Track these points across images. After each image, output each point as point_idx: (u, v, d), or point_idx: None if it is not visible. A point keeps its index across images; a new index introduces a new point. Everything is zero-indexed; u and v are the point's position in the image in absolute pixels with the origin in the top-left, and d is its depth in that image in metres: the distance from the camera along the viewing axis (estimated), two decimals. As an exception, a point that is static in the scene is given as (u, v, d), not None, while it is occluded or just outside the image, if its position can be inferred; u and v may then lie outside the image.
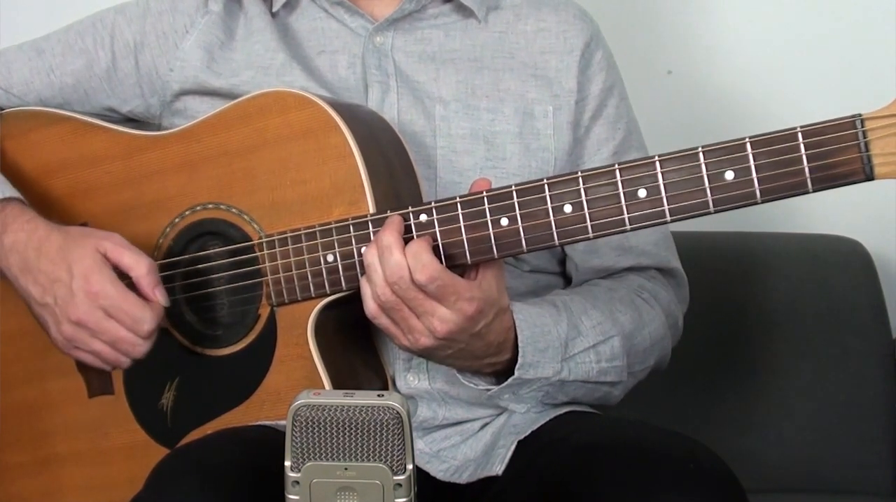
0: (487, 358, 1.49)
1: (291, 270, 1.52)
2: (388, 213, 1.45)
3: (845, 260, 2.12)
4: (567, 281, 1.70)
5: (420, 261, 1.40)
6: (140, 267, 1.54)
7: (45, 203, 1.66)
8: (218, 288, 1.58)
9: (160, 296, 1.54)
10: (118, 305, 1.52)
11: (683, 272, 1.74)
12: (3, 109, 1.73)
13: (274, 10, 1.68)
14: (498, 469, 1.54)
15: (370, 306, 1.44)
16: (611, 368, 1.58)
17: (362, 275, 1.45)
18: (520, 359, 1.49)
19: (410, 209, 1.44)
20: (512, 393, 1.53)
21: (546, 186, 1.39)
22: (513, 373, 1.50)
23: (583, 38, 1.68)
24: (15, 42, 1.76)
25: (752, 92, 2.27)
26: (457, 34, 1.67)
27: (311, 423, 1.23)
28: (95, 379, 1.65)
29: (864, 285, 2.10)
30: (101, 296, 1.52)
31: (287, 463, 1.25)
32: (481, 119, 1.63)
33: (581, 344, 1.55)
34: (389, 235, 1.41)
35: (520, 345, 1.49)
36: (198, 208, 1.58)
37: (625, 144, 1.69)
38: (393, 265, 1.40)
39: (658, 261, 1.71)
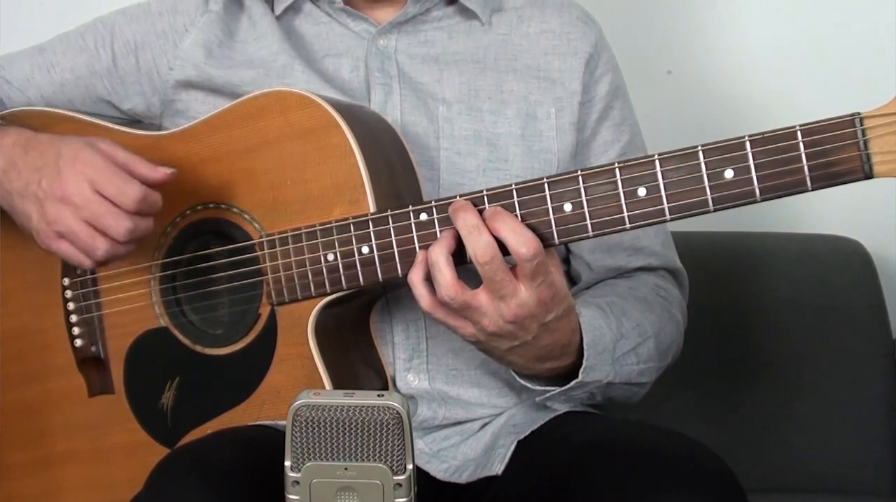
0: (550, 361, 1.48)
1: (292, 269, 1.52)
2: (389, 212, 1.45)
3: (845, 260, 2.12)
4: (570, 280, 1.70)
5: (524, 234, 1.37)
6: (135, 158, 1.52)
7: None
8: (218, 287, 1.58)
9: (163, 170, 1.51)
10: (104, 175, 1.48)
11: (685, 271, 1.75)
12: (3, 103, 1.74)
13: (277, 13, 1.68)
14: (498, 468, 1.54)
15: (426, 303, 1.41)
16: (646, 369, 1.59)
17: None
18: (584, 362, 1.49)
19: (411, 208, 1.44)
20: (566, 394, 1.52)
21: (546, 185, 1.39)
22: (564, 377, 1.50)
23: (588, 42, 1.68)
24: (15, 43, 1.77)
25: (752, 92, 2.27)
26: (460, 36, 1.67)
27: (311, 423, 1.23)
28: (96, 378, 1.65)
29: (864, 285, 2.10)
30: (88, 167, 1.49)
31: (287, 463, 1.24)
32: (484, 121, 1.63)
33: (625, 346, 1.55)
34: (471, 216, 1.39)
35: (585, 347, 1.49)
36: (199, 208, 1.58)
37: (630, 145, 1.70)
38: (483, 245, 1.37)
39: (666, 261, 1.72)
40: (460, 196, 1.42)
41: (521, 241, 1.37)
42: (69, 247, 1.51)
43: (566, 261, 1.70)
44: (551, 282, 1.40)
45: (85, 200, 1.48)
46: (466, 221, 1.39)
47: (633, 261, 1.68)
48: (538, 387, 1.52)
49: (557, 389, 1.51)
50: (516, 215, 1.40)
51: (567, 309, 1.44)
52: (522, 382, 1.52)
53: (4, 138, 1.57)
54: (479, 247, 1.37)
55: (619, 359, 1.54)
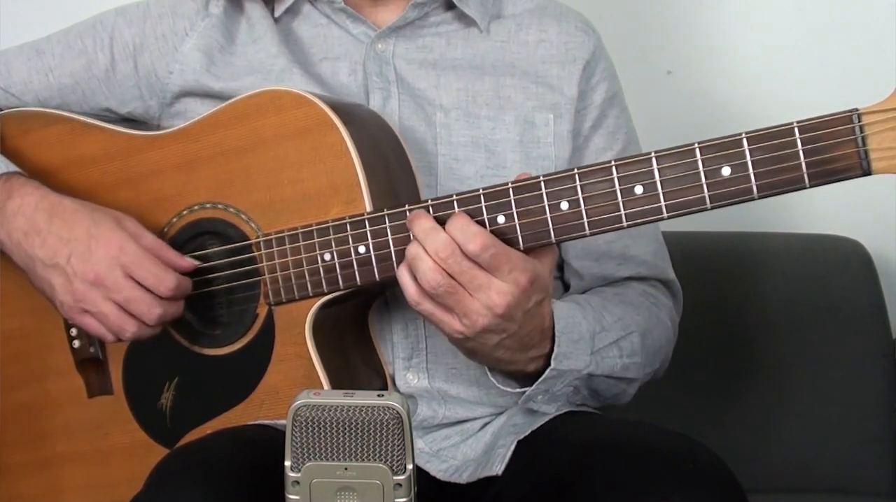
0: (533, 348, 1.48)
1: (289, 269, 1.52)
2: (385, 212, 1.46)
3: (845, 260, 2.13)
4: (565, 287, 1.71)
5: (469, 231, 1.38)
6: (161, 244, 1.56)
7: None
8: (216, 287, 1.58)
9: (190, 260, 1.56)
10: (140, 262, 1.53)
11: (679, 284, 1.75)
12: (1, 109, 1.74)
13: (276, 15, 1.68)
14: (498, 468, 1.54)
15: (411, 293, 1.41)
16: (631, 364, 1.58)
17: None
18: (556, 349, 1.48)
19: (407, 207, 1.44)
20: (546, 390, 1.52)
21: (542, 184, 1.39)
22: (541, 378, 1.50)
23: (586, 50, 1.68)
24: (15, 42, 1.77)
25: (752, 92, 2.27)
26: (458, 42, 1.67)
27: (311, 423, 1.23)
28: (95, 379, 1.65)
29: (864, 285, 2.10)
30: (122, 253, 1.53)
31: (287, 463, 1.24)
32: (482, 127, 1.63)
33: (605, 338, 1.55)
34: (425, 220, 1.40)
35: (556, 333, 1.49)
36: (196, 208, 1.59)
37: (624, 154, 1.69)
38: (441, 242, 1.38)
39: (657, 272, 1.71)
40: (457, 195, 1.42)
41: (467, 238, 1.38)
42: (95, 323, 1.55)
43: (560, 269, 1.70)
44: (524, 267, 1.40)
45: (118, 285, 1.52)
46: (422, 226, 1.40)
47: (623, 270, 1.68)
48: (517, 390, 1.52)
49: (533, 386, 1.50)
50: (511, 212, 1.40)
51: (546, 293, 1.45)
52: (503, 387, 1.52)
53: (25, 197, 1.58)
54: (439, 244, 1.38)
55: (601, 351, 1.54)
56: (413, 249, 1.40)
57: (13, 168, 1.62)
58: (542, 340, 1.48)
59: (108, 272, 1.52)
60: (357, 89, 1.65)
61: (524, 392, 1.51)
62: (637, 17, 2.30)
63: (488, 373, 1.51)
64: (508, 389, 1.52)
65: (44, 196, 1.58)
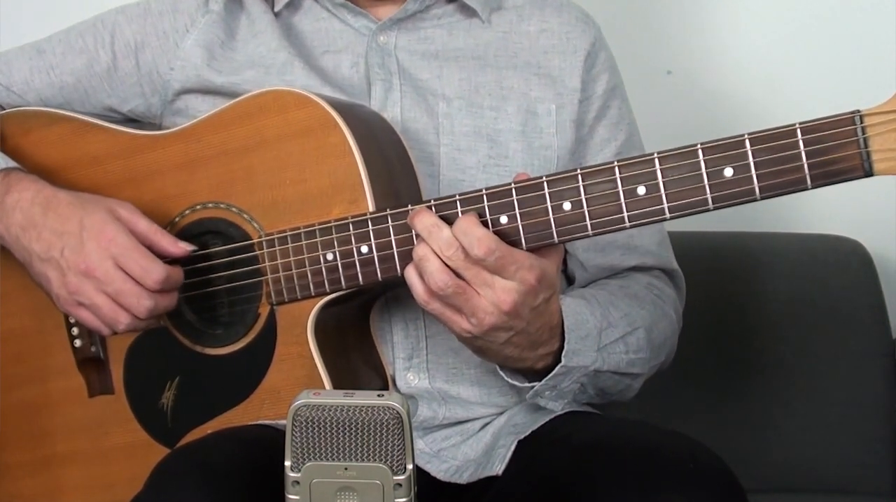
0: (542, 346, 1.48)
1: (291, 269, 1.52)
2: (388, 212, 1.46)
3: (845, 260, 2.13)
4: (569, 280, 1.70)
5: (473, 236, 1.38)
6: (155, 229, 1.55)
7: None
8: (218, 287, 1.58)
9: (184, 246, 1.55)
10: (129, 253, 1.52)
11: (682, 273, 1.75)
12: (3, 108, 1.74)
13: (276, 9, 1.68)
14: (498, 468, 1.54)
15: (420, 293, 1.41)
16: (636, 359, 1.59)
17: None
18: (566, 345, 1.49)
19: (410, 207, 1.44)
20: (554, 386, 1.52)
21: (545, 184, 1.39)
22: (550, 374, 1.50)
23: (587, 40, 1.68)
24: (16, 42, 1.77)
25: (752, 92, 2.27)
26: (460, 33, 1.68)
27: (311, 423, 1.24)
28: (96, 378, 1.65)
29: (864, 285, 2.10)
30: (112, 244, 1.52)
31: (287, 463, 1.25)
32: (484, 117, 1.63)
33: (612, 334, 1.55)
34: (427, 217, 1.41)
35: (566, 330, 1.49)
36: (198, 207, 1.59)
37: (627, 145, 1.70)
38: (444, 240, 1.39)
39: (661, 261, 1.72)
40: (459, 195, 1.42)
41: (471, 243, 1.38)
42: (90, 316, 1.55)
43: (563, 261, 1.69)
44: (530, 265, 1.40)
45: (108, 277, 1.52)
46: (424, 222, 1.40)
47: (627, 259, 1.68)
48: (526, 384, 1.52)
49: (542, 381, 1.50)
50: (514, 213, 1.40)
51: (554, 291, 1.45)
52: (511, 381, 1.52)
53: (23, 192, 1.58)
54: (443, 241, 1.39)
55: (607, 347, 1.54)
56: (420, 250, 1.40)
57: (12, 164, 1.62)
58: (552, 338, 1.48)
59: (99, 263, 1.52)
60: (359, 81, 1.65)
61: (532, 386, 1.51)
62: (637, 17, 2.30)
63: (498, 369, 1.51)
64: (517, 383, 1.52)
65: (39, 190, 1.58)
